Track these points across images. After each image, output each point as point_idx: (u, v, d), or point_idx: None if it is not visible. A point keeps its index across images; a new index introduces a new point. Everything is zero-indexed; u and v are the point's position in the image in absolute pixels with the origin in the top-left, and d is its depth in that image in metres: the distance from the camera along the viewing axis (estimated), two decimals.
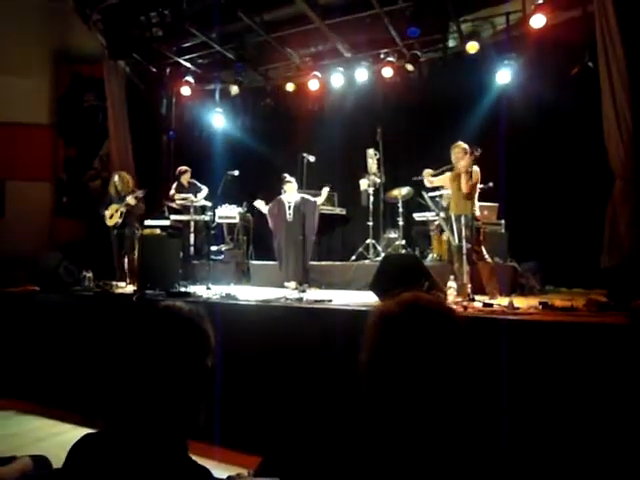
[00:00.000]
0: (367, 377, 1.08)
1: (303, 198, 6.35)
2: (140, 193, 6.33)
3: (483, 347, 3.08)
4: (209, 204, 7.17)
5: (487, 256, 4.77)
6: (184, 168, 7.19)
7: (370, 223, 6.73)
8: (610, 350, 2.78)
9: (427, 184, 5.23)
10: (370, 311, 1.16)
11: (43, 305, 5.16)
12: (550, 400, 2.86)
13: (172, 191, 7.03)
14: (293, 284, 5.87)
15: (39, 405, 4.55)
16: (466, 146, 4.85)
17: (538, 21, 5.94)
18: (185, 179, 7.15)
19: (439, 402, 1.03)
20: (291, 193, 6.35)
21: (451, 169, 4.93)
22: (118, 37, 7.19)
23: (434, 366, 1.04)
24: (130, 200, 6.26)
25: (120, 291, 5.57)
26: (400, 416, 1.03)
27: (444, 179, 5.09)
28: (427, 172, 5.13)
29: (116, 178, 6.47)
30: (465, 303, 3.95)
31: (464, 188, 4.69)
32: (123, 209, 6.32)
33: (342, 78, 7.73)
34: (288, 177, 6.39)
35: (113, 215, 6.35)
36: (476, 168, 4.71)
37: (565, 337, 2.94)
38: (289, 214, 6.28)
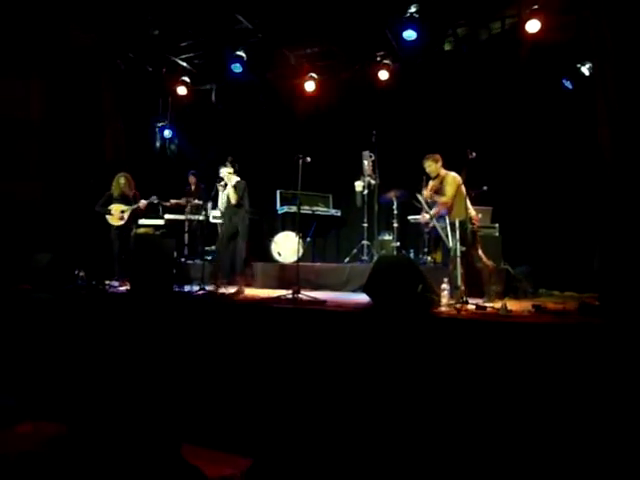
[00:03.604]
0: None
1: (238, 185, 5.85)
2: (154, 199, 6.59)
3: (476, 348, 3.10)
4: (200, 203, 7.22)
5: (485, 258, 4.81)
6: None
7: (365, 225, 6.74)
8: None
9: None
10: None
11: (35, 304, 5.13)
12: (542, 402, 2.87)
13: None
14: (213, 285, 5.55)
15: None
16: (433, 155, 5.05)
17: (533, 26, 5.98)
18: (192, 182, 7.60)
19: None
20: (230, 180, 5.88)
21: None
22: (114, 35, 7.17)
23: None
24: (142, 204, 6.47)
25: (113, 290, 5.56)
26: None
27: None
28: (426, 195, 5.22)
29: (122, 180, 6.53)
30: (458, 306, 3.96)
31: (445, 196, 4.84)
32: (129, 211, 6.39)
33: (338, 80, 7.73)
34: (228, 162, 5.97)
35: (122, 215, 6.38)
36: (452, 174, 4.87)
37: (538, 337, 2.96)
38: (223, 203, 5.91)
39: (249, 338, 3.91)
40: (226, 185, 5.88)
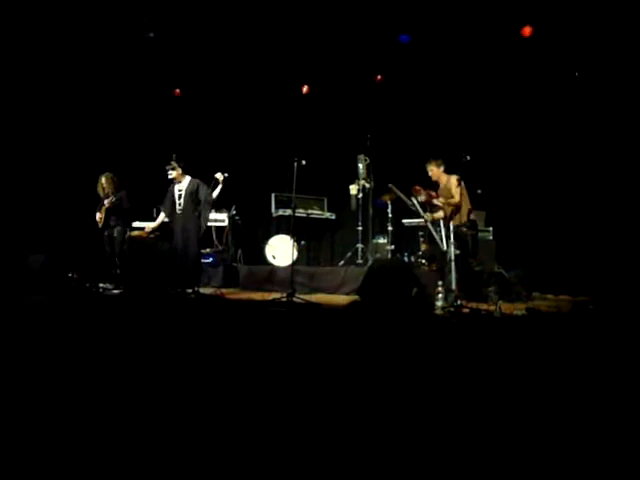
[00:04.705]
0: None
1: (198, 183, 5.65)
2: (118, 196, 6.22)
3: (471, 350, 3.10)
4: None
5: (482, 261, 4.83)
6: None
7: (360, 228, 6.74)
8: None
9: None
10: None
11: (30, 306, 5.09)
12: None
13: None
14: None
15: None
16: (436, 159, 5.12)
17: (527, 29, 6.04)
18: None
19: None
20: (180, 179, 5.68)
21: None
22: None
23: None
24: (107, 202, 6.19)
25: (107, 293, 5.54)
26: None
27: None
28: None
29: (102, 179, 6.36)
30: (452, 309, 3.97)
31: (454, 198, 4.81)
32: (104, 212, 6.27)
33: (333, 83, 7.74)
34: (173, 161, 5.66)
35: (101, 217, 6.30)
36: (454, 175, 4.90)
37: None
38: (179, 204, 5.62)
39: (243, 341, 3.90)
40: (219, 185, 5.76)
